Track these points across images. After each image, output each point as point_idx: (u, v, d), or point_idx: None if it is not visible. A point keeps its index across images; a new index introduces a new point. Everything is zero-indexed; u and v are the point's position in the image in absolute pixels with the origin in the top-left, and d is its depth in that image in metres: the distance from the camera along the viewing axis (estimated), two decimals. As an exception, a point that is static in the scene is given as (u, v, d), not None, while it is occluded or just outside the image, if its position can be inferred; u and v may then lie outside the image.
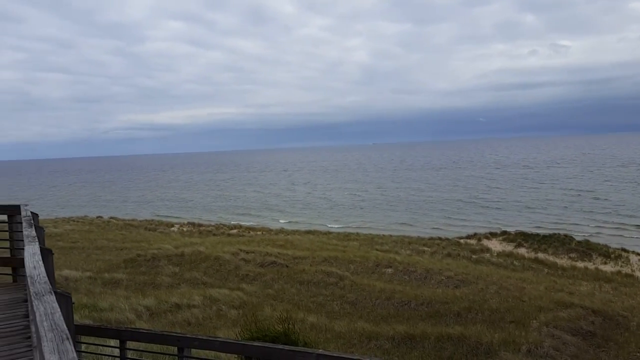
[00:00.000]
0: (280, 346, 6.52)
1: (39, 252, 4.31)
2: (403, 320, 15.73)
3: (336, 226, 42.66)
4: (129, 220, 44.31)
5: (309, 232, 34.28)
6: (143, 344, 8.84)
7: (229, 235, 33.29)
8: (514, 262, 25.77)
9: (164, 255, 23.82)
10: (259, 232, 34.04)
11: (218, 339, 7.00)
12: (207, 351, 8.06)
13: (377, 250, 26.31)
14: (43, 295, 2.95)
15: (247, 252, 23.18)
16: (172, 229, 39.18)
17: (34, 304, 2.79)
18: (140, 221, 43.68)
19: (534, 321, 14.81)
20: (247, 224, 43.15)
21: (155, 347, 9.59)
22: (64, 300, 2.81)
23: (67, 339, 2.27)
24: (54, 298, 2.90)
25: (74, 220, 41.45)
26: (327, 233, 34.16)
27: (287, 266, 21.44)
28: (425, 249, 28.14)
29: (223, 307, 17.29)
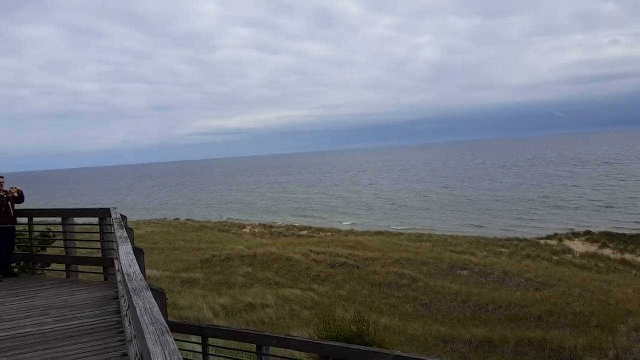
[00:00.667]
0: (357, 346, 6.50)
1: (132, 251, 4.55)
2: (480, 324, 15.25)
3: (401, 228, 41.91)
4: (203, 222, 45.97)
5: (379, 233, 34.05)
6: (222, 341, 9.12)
7: (299, 236, 33.72)
8: (599, 263, 24.31)
9: (237, 255, 24.50)
10: (328, 234, 34.22)
11: (295, 338, 7.08)
12: (283, 350, 8.20)
13: (451, 251, 25.68)
14: (141, 291, 3.10)
15: (318, 253, 23.36)
16: (245, 230, 40.20)
17: (133, 299, 2.94)
18: (215, 223, 45.19)
19: (622, 326, 13.89)
20: (317, 225, 43.45)
21: (233, 344, 9.85)
22: (159, 297, 2.96)
23: (167, 332, 2.37)
24: (151, 294, 3.04)
25: (154, 223, 43.56)
26: (399, 234, 33.77)
27: (358, 267, 21.39)
28: (503, 250, 27.16)
29: (296, 307, 17.52)
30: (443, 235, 33.36)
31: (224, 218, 54.20)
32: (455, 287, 18.66)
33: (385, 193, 75.29)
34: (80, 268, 9.89)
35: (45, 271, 10.91)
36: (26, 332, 6.43)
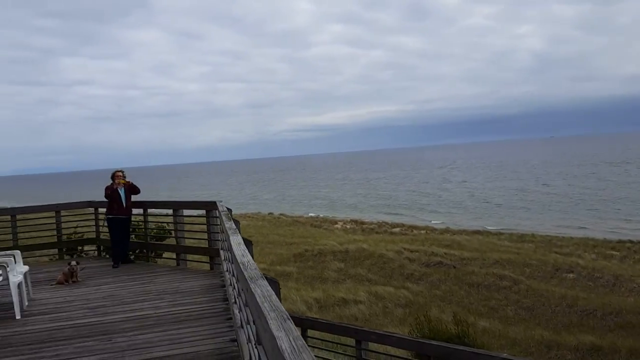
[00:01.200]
0: (462, 347, 6.31)
1: (242, 242, 4.74)
2: (588, 330, 14.25)
3: (497, 228, 39.87)
4: (296, 217, 46.99)
5: (476, 232, 32.84)
6: (318, 333, 9.25)
7: (391, 233, 33.43)
8: None
9: (329, 251, 24.77)
10: (422, 231, 33.59)
11: (395, 335, 7.02)
12: (376, 345, 8.16)
13: (555, 253, 24.19)
14: (257, 279, 3.21)
15: (412, 251, 23.01)
16: (336, 226, 40.55)
17: (250, 286, 3.04)
18: (307, 218, 46.04)
19: None
20: (405, 222, 42.69)
21: (329, 337, 9.94)
22: (274, 286, 3.06)
23: (289, 319, 2.42)
24: (267, 283, 3.14)
25: (248, 216, 45.26)
26: (498, 234, 32.35)
27: (454, 267, 20.81)
28: (614, 253, 25.14)
29: (389, 305, 17.40)
30: (547, 235, 31.45)
31: (311, 214, 54.81)
32: (560, 290, 17.57)
33: (479, 191, 72.25)
34: (188, 257, 10.51)
35: (157, 259, 11.71)
36: (144, 314, 6.95)
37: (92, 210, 12.11)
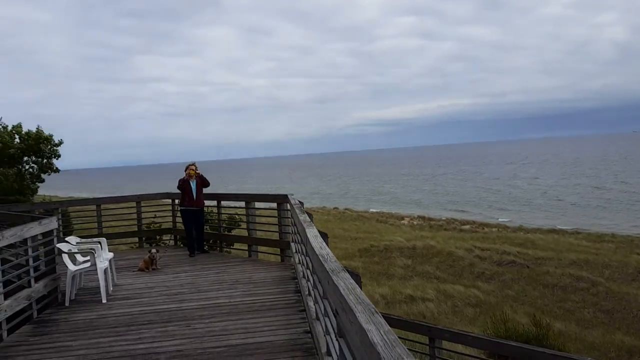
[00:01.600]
0: (542, 349, 6.04)
1: (319, 234, 4.76)
2: (677, 339, 13.24)
3: (570, 227, 37.60)
4: (361, 212, 46.85)
5: (552, 231, 31.36)
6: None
7: (460, 230, 32.58)
8: None
9: (396, 247, 24.50)
10: (494, 229, 32.49)
11: (470, 334, 6.81)
12: (447, 343, 7.94)
13: (638, 254, 22.65)
14: (339, 272, 3.19)
15: (482, 249, 22.31)
16: (402, 222, 40.03)
17: (333, 279, 3.03)
18: (372, 213, 45.78)
19: None
20: (480, 220, 41.33)
21: (399, 334, 9.82)
22: (356, 279, 3.04)
23: (377, 312, 2.38)
24: (349, 275, 3.12)
25: (313, 210, 45.65)
26: (575, 233, 30.73)
27: (527, 267, 19.98)
28: None
29: (458, 303, 16.98)
30: (628, 235, 29.49)
31: (372, 209, 54.22)
32: (644, 294, 16.45)
33: (552, 188, 68.74)
34: (258, 248, 10.73)
35: (229, 250, 12.05)
36: (219, 303, 7.16)
37: (169, 201, 12.65)
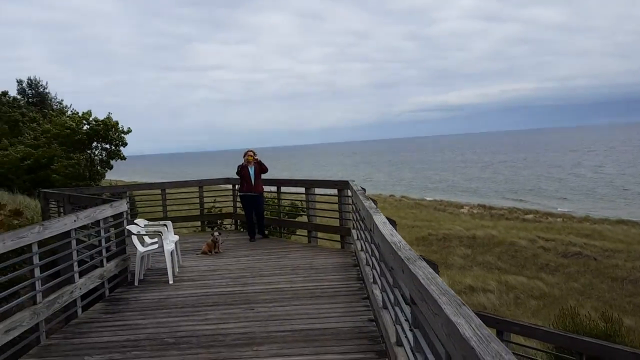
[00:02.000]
0: (619, 346, 5.67)
1: (387, 221, 4.63)
2: None
3: (636, 219, 35.20)
4: (418, 199, 46.14)
5: (621, 222, 29.68)
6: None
7: (523, 220, 31.43)
8: None
9: (455, 236, 23.95)
10: (559, 219, 31.12)
11: (541, 328, 6.51)
12: (514, 336, 7.64)
13: None
14: (415, 260, 3.06)
15: (547, 240, 21.42)
16: (462, 210, 39.08)
17: (410, 267, 2.91)
18: (430, 201, 44.99)
19: None
20: (543, 209, 39.66)
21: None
22: (434, 268, 2.91)
23: (464, 304, 2.25)
24: (427, 264, 2.98)
25: (370, 198, 45.26)
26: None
27: (595, 259, 19.02)
28: None
29: (521, 295, 16.41)
30: None
31: (427, 197, 52.98)
32: None
33: (619, 177, 64.98)
34: (318, 235, 10.72)
35: (289, 235, 12.13)
36: (281, 287, 7.19)
37: (229, 186, 12.85)
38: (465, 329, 1.94)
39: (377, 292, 5.20)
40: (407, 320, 3.40)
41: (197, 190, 12.91)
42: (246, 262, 8.99)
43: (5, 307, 4.93)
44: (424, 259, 3.16)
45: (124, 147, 22.99)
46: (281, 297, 6.72)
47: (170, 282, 7.80)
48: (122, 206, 8.04)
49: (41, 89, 43.50)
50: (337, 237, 10.18)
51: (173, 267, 8.12)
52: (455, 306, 2.22)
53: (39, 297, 5.42)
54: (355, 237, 8.32)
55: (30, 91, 43.52)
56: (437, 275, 2.72)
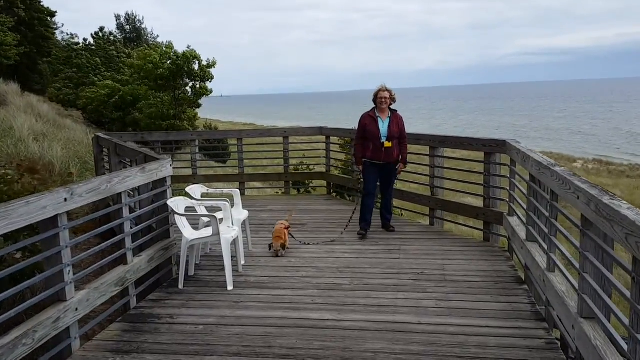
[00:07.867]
0: None
1: None
2: None
3: None
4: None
5: None
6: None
7: (650, 177, 26.25)
8: None
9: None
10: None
11: None
12: None
13: None
14: None
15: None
16: (575, 164, 33.80)
17: None
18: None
19: None
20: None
21: None
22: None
23: None
24: None
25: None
26: None
27: None
28: None
29: None
30: None
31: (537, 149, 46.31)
32: None
33: None
34: (445, 216, 7.56)
35: (401, 212, 9.11)
36: (398, 326, 4.31)
37: (323, 138, 9.98)
38: None
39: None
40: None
41: (282, 142, 10.16)
42: (341, 256, 6.19)
43: None
44: None
45: (210, 81, 21.08)
46: (402, 349, 3.83)
47: (230, 287, 5.19)
48: (164, 169, 5.46)
49: (138, 24, 42.75)
50: (469, 220, 7.03)
51: (238, 261, 5.57)
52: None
53: None
54: (517, 233, 5.18)
55: (127, 26, 42.98)
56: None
